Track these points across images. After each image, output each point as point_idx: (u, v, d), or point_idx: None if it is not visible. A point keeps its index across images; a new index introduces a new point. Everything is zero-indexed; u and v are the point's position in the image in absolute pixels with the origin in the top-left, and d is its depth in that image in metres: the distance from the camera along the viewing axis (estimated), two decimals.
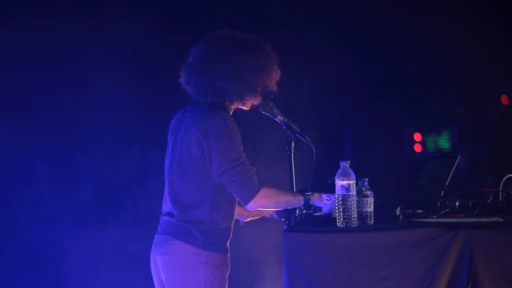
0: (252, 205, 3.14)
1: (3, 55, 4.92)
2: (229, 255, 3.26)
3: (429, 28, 5.51)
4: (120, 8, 4.97)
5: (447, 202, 3.39)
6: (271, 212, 3.56)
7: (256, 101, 3.29)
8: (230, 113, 3.30)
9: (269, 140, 4.98)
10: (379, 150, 5.92)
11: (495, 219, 3.10)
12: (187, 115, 3.26)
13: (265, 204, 3.16)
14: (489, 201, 3.41)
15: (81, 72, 5.06)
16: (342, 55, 5.41)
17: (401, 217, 3.19)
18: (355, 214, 2.95)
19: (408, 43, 5.54)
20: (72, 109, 5.11)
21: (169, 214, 3.24)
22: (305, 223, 3.25)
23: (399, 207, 3.25)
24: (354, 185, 2.95)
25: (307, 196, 3.21)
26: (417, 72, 5.70)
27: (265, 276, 5.29)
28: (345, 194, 2.93)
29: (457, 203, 3.42)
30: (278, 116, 3.38)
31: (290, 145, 3.38)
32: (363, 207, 3.00)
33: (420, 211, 3.24)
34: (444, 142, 6.04)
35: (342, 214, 2.94)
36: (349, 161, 2.97)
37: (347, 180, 2.94)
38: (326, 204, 3.08)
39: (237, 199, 3.20)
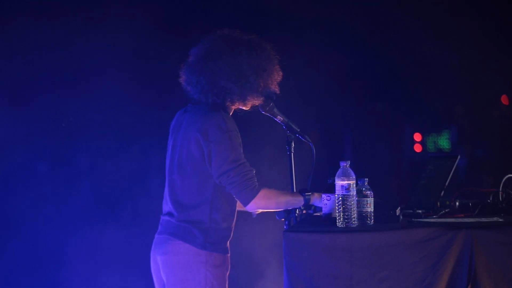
0: (251, 206, 3.14)
1: (3, 55, 4.92)
2: (229, 255, 3.26)
3: (429, 28, 5.51)
4: (120, 8, 4.97)
5: (447, 202, 3.39)
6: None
7: (257, 101, 3.29)
8: (230, 113, 3.30)
9: (269, 140, 4.98)
10: (379, 150, 5.92)
11: (495, 219, 3.10)
12: (187, 115, 3.26)
13: (264, 205, 3.16)
14: (489, 201, 3.41)
15: (81, 72, 5.07)
16: (342, 55, 5.41)
17: (401, 217, 3.19)
18: (355, 214, 2.95)
19: (408, 43, 5.53)
20: (72, 109, 5.11)
21: (169, 214, 3.24)
22: (305, 223, 3.24)
23: (399, 207, 3.25)
24: (354, 185, 2.95)
25: (307, 196, 3.21)
26: (417, 72, 5.70)
27: (265, 276, 5.29)
28: (345, 194, 2.93)
29: (457, 203, 3.42)
30: (278, 116, 3.38)
31: (290, 145, 3.38)
32: (363, 207, 3.00)
33: (420, 211, 3.24)
34: (444, 142, 6.03)
35: (342, 214, 2.94)
36: (349, 161, 2.97)
37: (347, 180, 2.94)
38: (326, 204, 3.08)
39: (237, 200, 3.20)
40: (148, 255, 3.32)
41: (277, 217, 3.38)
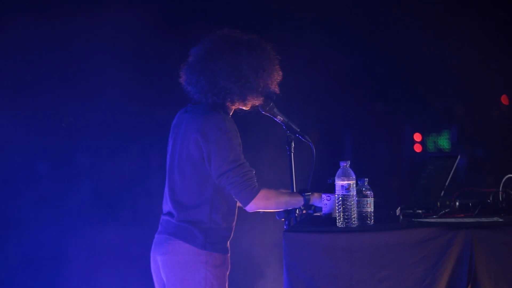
0: (251, 207, 3.14)
1: (3, 55, 4.92)
2: (229, 255, 3.26)
3: (429, 28, 5.51)
4: (120, 8, 4.97)
5: (447, 202, 3.38)
6: None
7: (257, 101, 3.29)
8: (231, 114, 3.30)
9: (269, 140, 4.98)
10: (379, 150, 5.92)
11: (495, 219, 3.10)
12: (187, 115, 3.26)
13: (264, 205, 3.16)
14: (489, 201, 3.41)
15: (81, 72, 5.07)
16: (342, 55, 5.41)
17: (401, 217, 3.19)
18: (355, 214, 2.95)
19: (408, 43, 5.54)
20: (72, 109, 5.11)
21: (169, 214, 3.24)
22: (305, 223, 3.25)
23: (399, 207, 3.25)
24: (354, 185, 2.95)
25: (306, 197, 3.21)
26: (417, 72, 5.70)
27: (265, 276, 5.29)
28: (345, 194, 2.93)
29: (457, 203, 3.42)
30: (278, 116, 3.38)
31: (290, 145, 3.38)
32: (363, 207, 3.00)
33: (420, 211, 3.24)
34: (444, 142, 6.03)
35: (342, 214, 2.94)
36: (349, 161, 2.97)
37: (347, 180, 2.94)
38: (326, 204, 3.08)
39: (236, 200, 3.20)
40: (148, 255, 3.32)
41: (277, 217, 3.38)
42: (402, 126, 6.02)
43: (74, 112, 5.13)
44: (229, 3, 5.24)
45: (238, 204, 3.27)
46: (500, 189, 3.41)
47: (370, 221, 3.00)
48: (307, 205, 3.23)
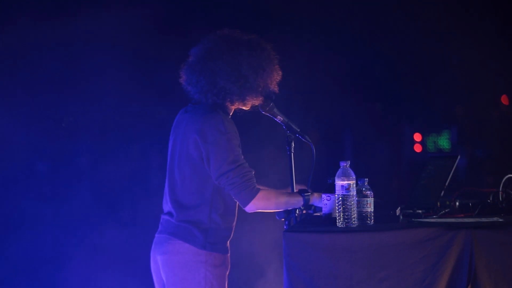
0: (250, 207, 3.14)
1: (3, 55, 4.92)
2: (229, 254, 3.27)
3: (429, 28, 5.51)
4: (120, 8, 4.97)
5: (447, 202, 3.38)
6: None
7: (257, 101, 3.29)
8: (231, 114, 3.30)
9: (269, 140, 4.97)
10: (379, 150, 5.92)
11: (495, 219, 3.10)
12: (188, 115, 3.26)
13: (264, 205, 3.16)
14: (489, 201, 3.40)
15: (81, 72, 5.07)
16: (342, 55, 5.41)
17: (401, 217, 3.19)
18: (355, 214, 2.95)
19: (408, 43, 5.54)
20: (72, 109, 5.11)
21: (169, 213, 3.24)
22: (305, 223, 3.24)
23: (399, 207, 3.25)
24: (354, 185, 2.95)
25: (306, 197, 3.21)
26: (417, 72, 5.70)
27: (265, 276, 5.29)
28: (345, 194, 2.93)
29: (457, 203, 3.42)
30: (278, 116, 3.37)
31: (290, 145, 3.38)
32: (363, 207, 3.00)
33: (420, 211, 3.24)
34: (444, 142, 6.03)
35: (342, 214, 2.94)
36: (349, 161, 2.97)
37: (347, 180, 2.94)
38: (326, 204, 3.08)
39: (236, 201, 3.20)
40: (148, 255, 3.32)
41: (277, 217, 3.38)
42: (402, 126, 6.02)
43: (74, 112, 5.13)
44: (229, 3, 5.24)
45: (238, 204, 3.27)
46: (500, 189, 3.41)
47: (370, 221, 3.00)
48: (307, 205, 3.23)
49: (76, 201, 5.09)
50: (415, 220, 3.17)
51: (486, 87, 5.71)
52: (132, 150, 5.17)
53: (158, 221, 3.33)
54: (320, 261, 2.84)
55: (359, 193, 3.00)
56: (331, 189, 3.05)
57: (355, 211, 2.95)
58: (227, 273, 3.24)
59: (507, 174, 3.45)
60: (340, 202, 2.94)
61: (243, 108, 3.32)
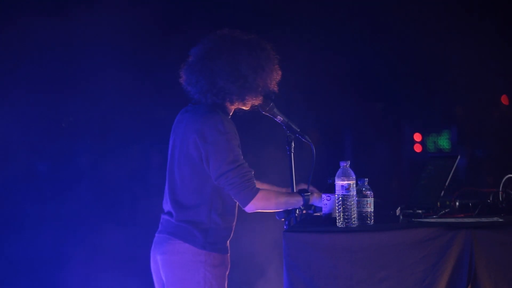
0: (250, 207, 3.14)
1: (3, 55, 4.93)
2: (229, 254, 3.26)
3: (429, 28, 5.51)
4: (121, 8, 4.97)
5: (447, 202, 3.38)
6: None
7: (256, 101, 3.29)
8: (231, 114, 3.30)
9: (269, 140, 4.97)
10: (379, 150, 5.92)
11: (495, 219, 3.10)
12: (188, 115, 3.26)
13: (263, 205, 3.16)
14: (489, 201, 3.40)
15: (81, 72, 5.07)
16: (342, 55, 5.41)
17: (401, 217, 3.19)
18: (355, 214, 2.95)
19: (408, 43, 5.54)
20: (72, 109, 5.11)
21: (169, 213, 3.24)
22: (305, 223, 3.24)
23: (399, 207, 3.24)
24: (354, 185, 2.95)
25: (306, 197, 3.21)
26: (417, 72, 5.70)
27: (265, 276, 5.29)
28: (345, 194, 2.93)
29: (457, 203, 3.41)
30: (278, 116, 3.37)
31: (290, 145, 3.38)
32: (363, 207, 3.00)
33: (420, 211, 3.24)
34: (444, 142, 6.04)
35: (342, 214, 2.94)
36: (349, 161, 2.97)
37: (347, 180, 2.94)
38: (326, 204, 3.08)
39: (236, 201, 3.20)
40: (148, 255, 3.32)
41: (277, 217, 3.38)
42: (402, 126, 6.02)
43: (74, 112, 5.13)
44: (229, 3, 5.24)
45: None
46: (500, 189, 3.41)
47: (370, 221, 3.00)
48: (307, 205, 3.23)
49: (76, 201, 5.09)
50: (415, 220, 3.17)
51: (486, 87, 5.72)
52: (132, 150, 5.17)
53: (158, 221, 3.33)
54: (320, 261, 2.84)
55: (359, 193, 3.00)
56: (331, 189, 3.05)
57: (355, 211, 2.95)
58: (227, 273, 3.24)
59: (507, 174, 3.45)
60: (340, 202, 2.94)
61: (243, 108, 3.32)
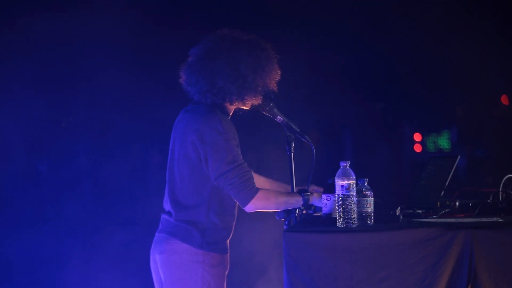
0: (250, 207, 3.14)
1: (3, 55, 4.92)
2: (228, 254, 3.26)
3: (429, 28, 5.51)
4: (120, 7, 4.97)
5: (447, 202, 3.38)
6: None
7: (256, 101, 3.29)
8: (231, 113, 3.30)
9: (269, 140, 4.97)
10: (379, 150, 5.91)
11: (495, 219, 3.10)
12: (187, 115, 3.26)
13: (263, 205, 3.16)
14: (489, 201, 3.40)
15: (81, 72, 5.07)
16: (342, 55, 5.40)
17: (401, 217, 3.19)
18: (355, 214, 2.95)
19: (408, 43, 5.53)
20: (72, 109, 5.11)
21: (168, 213, 3.25)
22: (305, 223, 3.24)
23: (399, 207, 3.24)
24: (354, 185, 2.95)
25: (305, 197, 3.21)
26: (417, 72, 5.70)
27: (265, 276, 5.29)
28: (345, 194, 2.93)
29: (457, 203, 3.41)
30: (278, 116, 3.37)
31: (290, 145, 3.37)
32: (363, 207, 3.00)
33: (420, 211, 3.24)
34: (444, 142, 6.03)
35: (342, 214, 2.94)
36: (349, 161, 2.97)
37: (347, 180, 2.94)
38: (326, 204, 3.08)
39: (236, 201, 3.20)
40: (148, 255, 3.32)
41: (277, 217, 3.38)
42: (402, 126, 6.02)
43: (74, 112, 5.12)
44: (229, 3, 5.24)
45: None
46: (500, 189, 3.41)
47: (370, 221, 3.00)
48: (307, 205, 3.23)
49: (76, 201, 5.09)
50: (415, 220, 3.17)
51: (486, 87, 5.71)
52: (132, 150, 5.17)
53: (158, 220, 3.33)
54: (320, 261, 2.84)
55: (359, 193, 3.00)
56: (331, 189, 3.05)
57: (355, 211, 2.95)
58: (226, 273, 3.24)
59: (507, 174, 3.45)
60: (340, 202, 2.94)
61: (243, 108, 3.32)
